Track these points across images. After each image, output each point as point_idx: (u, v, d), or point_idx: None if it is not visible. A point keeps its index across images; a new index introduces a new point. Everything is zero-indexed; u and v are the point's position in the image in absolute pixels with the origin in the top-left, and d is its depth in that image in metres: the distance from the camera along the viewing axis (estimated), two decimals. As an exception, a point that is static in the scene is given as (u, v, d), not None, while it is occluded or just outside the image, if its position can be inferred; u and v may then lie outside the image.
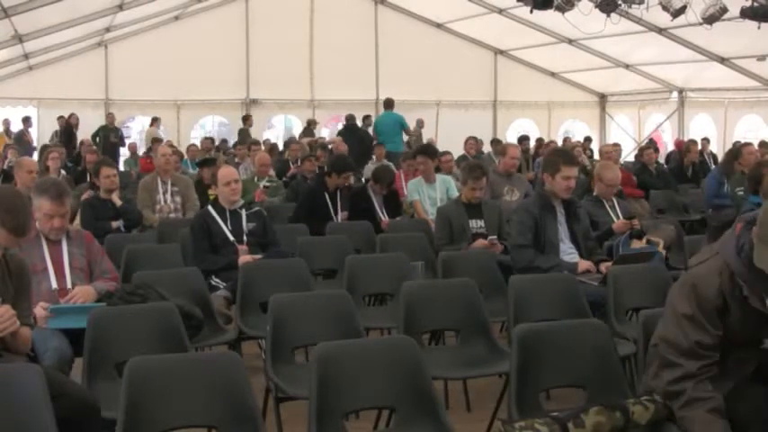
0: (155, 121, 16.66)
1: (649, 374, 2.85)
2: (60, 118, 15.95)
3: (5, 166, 11.12)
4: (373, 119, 15.58)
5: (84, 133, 15.60)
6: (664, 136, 19.60)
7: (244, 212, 5.74)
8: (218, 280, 5.31)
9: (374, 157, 12.39)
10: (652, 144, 14.31)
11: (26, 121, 16.12)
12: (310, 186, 8.17)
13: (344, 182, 7.55)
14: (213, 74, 17.21)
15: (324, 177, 7.62)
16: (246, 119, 16.73)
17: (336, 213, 7.33)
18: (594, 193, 6.37)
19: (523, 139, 14.97)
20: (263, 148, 12.50)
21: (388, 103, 14.72)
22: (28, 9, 11.11)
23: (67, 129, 15.71)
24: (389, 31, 18.42)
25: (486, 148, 15.41)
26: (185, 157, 12.97)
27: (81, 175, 10.30)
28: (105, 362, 3.56)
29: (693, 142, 12.52)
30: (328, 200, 7.35)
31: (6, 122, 15.98)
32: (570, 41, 16.90)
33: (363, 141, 13.63)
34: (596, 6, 11.42)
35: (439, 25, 18.99)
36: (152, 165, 9.45)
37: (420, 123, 17.20)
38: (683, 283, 2.79)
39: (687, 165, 11.53)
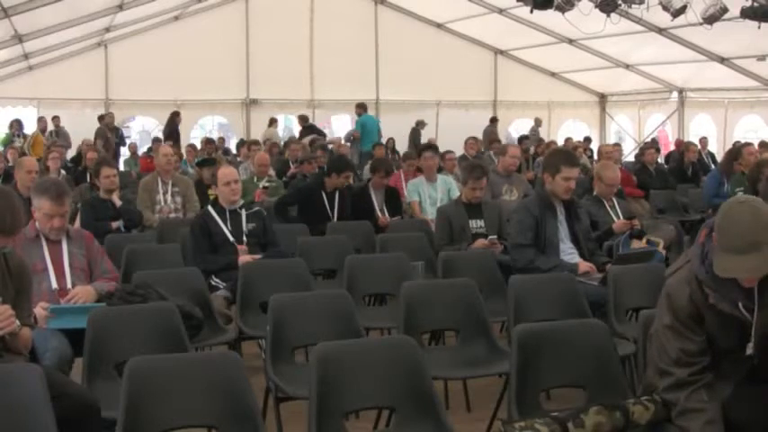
0: (273, 121, 16.95)
1: (649, 373, 2.86)
2: (55, 118, 15.89)
3: (5, 167, 11.10)
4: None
5: (84, 133, 15.57)
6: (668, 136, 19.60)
7: (243, 212, 5.74)
8: (218, 280, 5.30)
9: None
10: (654, 144, 14.30)
11: (102, 118, 16.23)
12: (308, 185, 8.04)
13: (344, 182, 7.51)
14: (213, 74, 17.21)
15: (323, 177, 7.60)
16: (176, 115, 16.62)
17: (334, 214, 7.28)
18: (594, 193, 6.37)
19: (524, 139, 14.98)
20: (263, 148, 12.50)
21: (366, 106, 15.99)
22: (28, 9, 11.11)
23: (172, 125, 15.97)
24: (389, 31, 18.42)
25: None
26: (184, 157, 12.96)
27: (81, 175, 10.30)
28: (105, 362, 3.55)
29: (691, 143, 12.54)
30: (326, 200, 7.33)
31: (43, 122, 15.77)
32: (570, 41, 16.90)
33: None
34: (596, 6, 11.43)
35: (439, 25, 18.99)
36: (152, 164, 9.45)
37: (538, 122, 18.54)
38: (662, 293, 2.81)
39: (687, 164, 11.55)
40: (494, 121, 18.19)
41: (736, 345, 2.69)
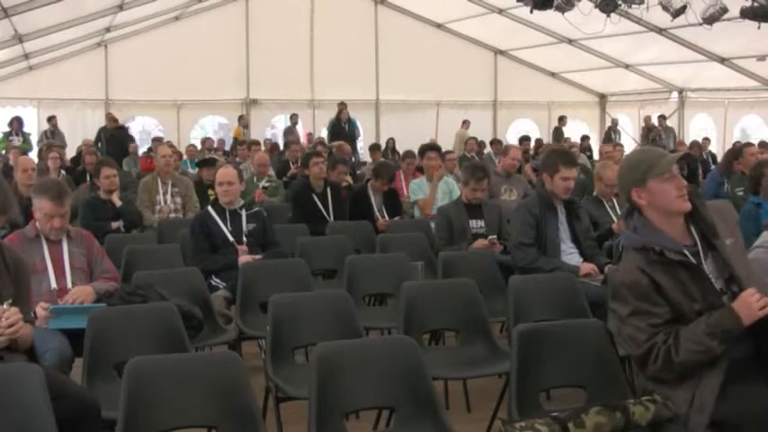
0: (465, 123, 17.31)
1: (641, 377, 2.88)
2: (52, 118, 15.83)
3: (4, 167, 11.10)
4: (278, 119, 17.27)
5: (84, 133, 15.57)
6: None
7: (244, 213, 5.73)
8: (218, 280, 5.30)
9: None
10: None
11: (293, 117, 16.58)
12: (296, 188, 7.97)
13: (318, 171, 7.32)
14: (213, 74, 17.22)
15: (308, 178, 7.53)
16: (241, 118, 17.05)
17: (330, 213, 7.23)
18: (594, 193, 6.37)
19: (525, 139, 14.99)
20: (263, 148, 12.51)
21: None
22: (28, 9, 11.12)
23: (338, 124, 16.25)
24: (389, 32, 18.44)
25: (486, 149, 15.43)
26: (184, 156, 12.95)
27: (81, 175, 10.29)
28: (105, 362, 3.55)
29: (681, 143, 12.59)
30: (317, 200, 7.29)
31: (244, 120, 16.16)
32: (570, 41, 16.91)
33: None
34: (596, 6, 11.44)
35: (439, 25, 19.00)
36: (152, 164, 9.44)
37: (663, 119, 18.37)
38: (612, 294, 2.92)
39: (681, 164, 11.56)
40: (241, 117, 17.77)
41: (705, 305, 2.77)
